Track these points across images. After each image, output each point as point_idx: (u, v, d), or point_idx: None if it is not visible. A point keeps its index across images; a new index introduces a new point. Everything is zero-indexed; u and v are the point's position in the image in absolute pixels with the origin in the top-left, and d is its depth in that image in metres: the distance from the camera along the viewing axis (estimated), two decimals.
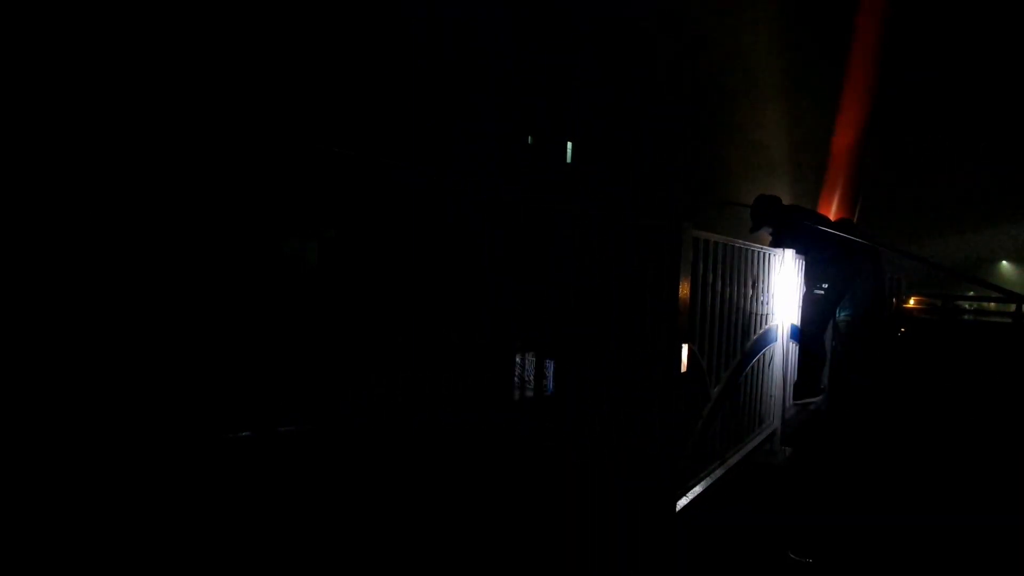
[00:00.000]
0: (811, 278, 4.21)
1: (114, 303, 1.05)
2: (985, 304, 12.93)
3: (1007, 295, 8.72)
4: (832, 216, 7.84)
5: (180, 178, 1.14)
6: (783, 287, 3.68)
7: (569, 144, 10.95)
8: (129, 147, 1.07)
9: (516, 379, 2.01)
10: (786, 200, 4.70)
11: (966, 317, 10.69)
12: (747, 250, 3.14)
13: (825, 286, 4.20)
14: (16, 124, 0.95)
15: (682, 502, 2.51)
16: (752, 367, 3.34)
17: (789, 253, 3.76)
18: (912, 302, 11.99)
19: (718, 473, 2.88)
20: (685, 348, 2.39)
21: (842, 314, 4.58)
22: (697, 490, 2.65)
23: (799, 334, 4.13)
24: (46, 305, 0.98)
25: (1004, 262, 27.28)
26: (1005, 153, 19.67)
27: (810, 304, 4.18)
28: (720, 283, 2.79)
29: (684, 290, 2.35)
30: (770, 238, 4.36)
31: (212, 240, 1.19)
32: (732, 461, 3.05)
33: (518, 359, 1.98)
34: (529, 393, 2.02)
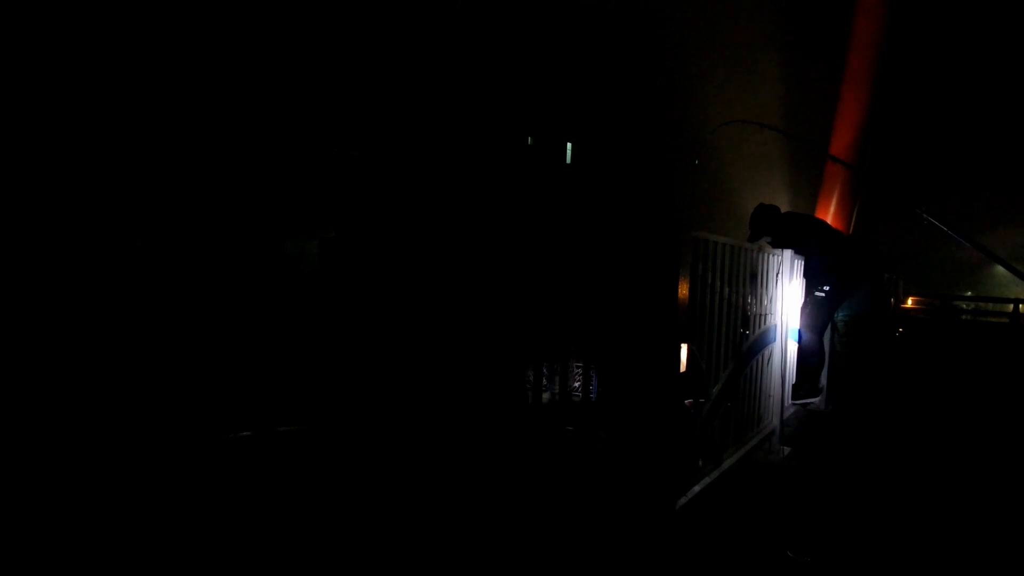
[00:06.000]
0: (812, 281, 4.23)
1: (125, 303, 1.06)
2: (983, 305, 12.97)
3: None
4: (829, 221, 7.84)
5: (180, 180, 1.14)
6: (782, 287, 3.70)
7: (569, 144, 10.92)
8: (131, 150, 1.07)
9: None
10: (784, 207, 4.73)
11: (964, 318, 10.72)
12: (747, 250, 3.15)
13: (826, 288, 4.22)
14: (20, 125, 0.95)
15: (681, 501, 2.52)
16: (751, 367, 3.35)
17: (788, 253, 3.78)
18: (910, 302, 12.02)
19: (717, 473, 2.89)
20: (685, 348, 2.39)
21: (841, 314, 4.59)
22: (696, 489, 2.66)
23: (799, 334, 4.15)
24: (56, 308, 0.99)
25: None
26: (1005, 152, 19.69)
27: (810, 306, 4.21)
28: (720, 283, 2.80)
29: (683, 290, 2.36)
30: (769, 246, 4.39)
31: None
32: (731, 461, 3.06)
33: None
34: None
